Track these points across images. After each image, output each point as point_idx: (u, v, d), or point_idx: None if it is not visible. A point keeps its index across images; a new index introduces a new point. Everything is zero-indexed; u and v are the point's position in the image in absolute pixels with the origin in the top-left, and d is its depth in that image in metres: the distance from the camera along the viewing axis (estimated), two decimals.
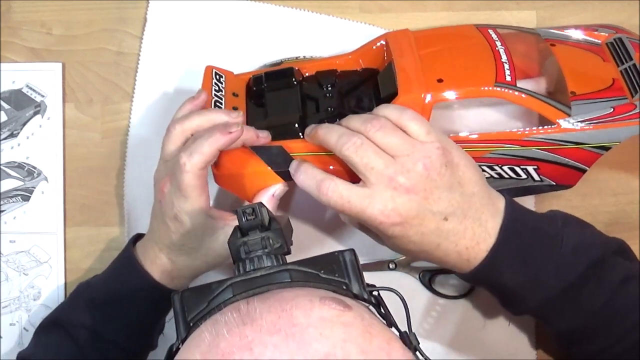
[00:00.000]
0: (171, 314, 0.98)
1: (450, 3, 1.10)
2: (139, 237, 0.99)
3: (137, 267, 0.93)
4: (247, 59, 1.09)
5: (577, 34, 1.01)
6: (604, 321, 0.87)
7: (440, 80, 0.90)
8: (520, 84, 0.92)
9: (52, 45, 1.14)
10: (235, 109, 0.96)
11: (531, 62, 1.01)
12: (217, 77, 0.98)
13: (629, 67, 0.94)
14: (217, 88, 0.96)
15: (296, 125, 0.94)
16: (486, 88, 0.90)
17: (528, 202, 1.07)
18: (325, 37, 1.11)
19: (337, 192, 0.82)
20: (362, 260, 1.02)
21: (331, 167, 0.89)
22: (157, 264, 0.92)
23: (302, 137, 0.92)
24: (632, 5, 1.08)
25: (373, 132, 0.83)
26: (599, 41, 1.00)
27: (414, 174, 0.81)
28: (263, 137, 0.90)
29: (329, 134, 0.86)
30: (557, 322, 0.89)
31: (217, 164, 0.90)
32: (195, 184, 0.85)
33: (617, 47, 0.98)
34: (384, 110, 0.86)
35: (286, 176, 0.90)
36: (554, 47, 0.97)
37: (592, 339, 0.88)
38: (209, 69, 0.98)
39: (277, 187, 0.91)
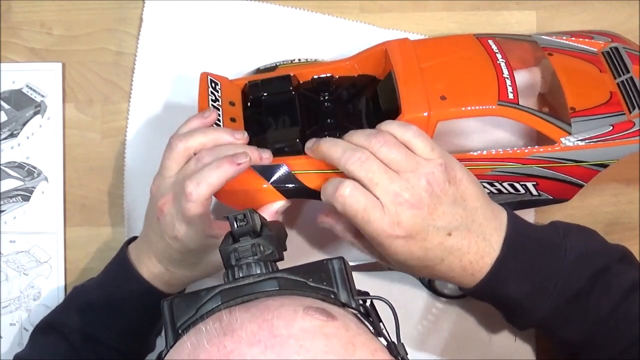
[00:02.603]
0: None
1: (450, 3, 1.10)
2: (132, 240, 0.98)
3: (132, 273, 0.93)
4: (245, 59, 1.08)
5: (573, 42, 1.01)
6: (611, 330, 0.86)
7: (443, 98, 0.89)
8: (516, 74, 0.93)
9: (52, 45, 1.14)
10: (233, 120, 0.95)
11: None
12: (213, 84, 0.96)
13: (626, 80, 0.95)
14: (213, 97, 0.94)
15: (297, 140, 0.92)
16: (490, 107, 0.90)
17: None
18: (324, 37, 1.10)
19: (355, 196, 0.81)
20: (361, 260, 1.02)
21: None
22: (155, 272, 0.92)
23: (303, 152, 0.91)
24: (632, 5, 1.07)
25: (378, 148, 0.82)
26: (595, 50, 1.00)
27: (418, 190, 0.81)
28: (266, 157, 0.88)
29: (333, 148, 0.85)
30: (563, 332, 0.88)
31: None
32: (200, 212, 0.83)
33: (613, 58, 0.97)
34: (388, 126, 0.85)
35: (288, 194, 0.89)
36: (552, 56, 0.97)
37: (598, 348, 0.88)
38: (204, 76, 0.97)
39: (281, 204, 0.90)
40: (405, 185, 0.81)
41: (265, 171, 0.89)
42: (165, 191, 0.88)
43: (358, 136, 0.85)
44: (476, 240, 0.84)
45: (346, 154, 0.83)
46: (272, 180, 0.89)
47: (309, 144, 0.89)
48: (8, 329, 1.11)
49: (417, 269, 0.87)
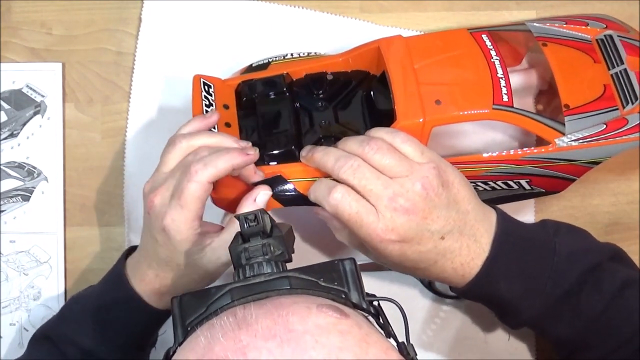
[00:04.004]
0: (163, 327, 0.97)
1: (450, 3, 1.10)
2: (132, 250, 0.97)
3: (125, 286, 0.92)
4: (245, 58, 1.08)
5: (567, 29, 1.00)
6: (604, 328, 0.87)
7: (438, 102, 0.90)
8: (512, 76, 0.93)
9: (52, 45, 1.14)
10: (227, 125, 0.94)
11: (517, 58, 1.03)
12: (206, 87, 0.96)
13: (620, 72, 0.95)
14: (207, 102, 0.94)
15: (292, 147, 0.93)
16: (484, 111, 0.90)
17: (528, 201, 1.07)
18: (325, 35, 1.11)
19: (347, 200, 0.82)
20: (361, 261, 1.02)
21: None
22: (145, 280, 0.91)
23: (299, 158, 0.91)
24: (632, 5, 1.08)
25: (371, 154, 0.83)
26: (589, 37, 0.99)
27: (412, 195, 0.81)
28: (259, 175, 0.89)
29: (326, 157, 0.86)
30: (555, 331, 0.89)
31: (216, 189, 0.89)
32: (198, 195, 0.83)
33: (607, 46, 0.97)
34: (377, 133, 0.86)
35: (286, 202, 0.90)
36: (546, 47, 0.96)
37: (592, 346, 0.88)
38: (196, 79, 0.96)
39: (258, 193, 0.89)
40: (400, 190, 0.82)
41: (264, 181, 0.89)
42: (158, 185, 0.87)
43: (351, 144, 0.86)
44: (468, 243, 0.85)
45: (339, 162, 0.84)
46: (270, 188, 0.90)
47: (303, 153, 0.90)
48: (8, 329, 1.11)
49: (409, 270, 0.88)
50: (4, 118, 1.12)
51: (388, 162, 0.82)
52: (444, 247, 0.84)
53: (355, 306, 0.64)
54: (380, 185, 0.82)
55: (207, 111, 0.93)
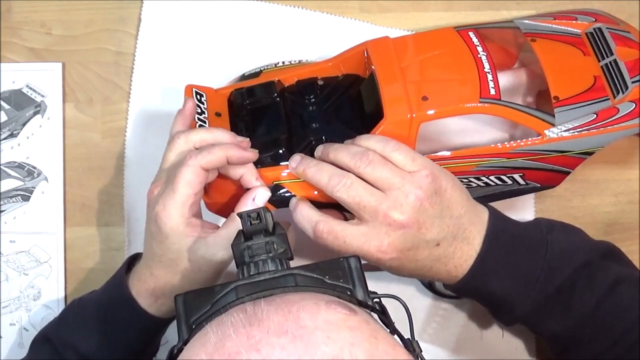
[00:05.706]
0: (164, 338, 0.97)
1: (450, 3, 1.10)
2: (138, 256, 0.96)
3: (123, 290, 0.91)
4: (244, 58, 1.09)
5: (556, 24, 1.00)
6: (596, 325, 0.87)
7: (425, 99, 0.90)
8: (501, 76, 0.93)
9: (52, 45, 1.14)
10: None
11: (511, 59, 1.03)
12: (198, 96, 0.96)
13: (610, 62, 0.95)
14: (199, 110, 0.94)
15: (284, 149, 0.93)
16: (471, 105, 0.90)
17: (528, 201, 1.07)
18: (325, 36, 1.11)
19: (332, 234, 0.84)
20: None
21: (315, 193, 0.89)
22: (142, 280, 0.90)
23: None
24: (632, 5, 1.08)
25: (363, 168, 0.84)
26: (579, 31, 0.99)
27: (407, 208, 0.82)
28: (260, 182, 0.89)
29: (319, 174, 0.86)
30: (548, 327, 0.89)
31: (208, 193, 0.90)
32: (190, 178, 0.83)
33: (596, 39, 0.97)
34: (367, 142, 0.87)
35: (280, 204, 0.90)
36: (535, 42, 0.96)
37: (585, 344, 0.88)
38: (188, 89, 0.96)
39: (257, 192, 0.89)
40: (394, 205, 0.82)
41: None
42: (158, 179, 0.89)
43: (342, 155, 0.86)
44: (461, 246, 0.86)
45: (332, 181, 0.85)
46: None
47: (292, 164, 0.90)
48: (8, 329, 1.11)
49: (406, 275, 0.89)
50: (4, 118, 1.12)
51: (380, 175, 0.83)
52: (439, 254, 0.85)
53: (360, 303, 0.64)
54: (374, 201, 0.82)
55: (199, 119, 0.93)
